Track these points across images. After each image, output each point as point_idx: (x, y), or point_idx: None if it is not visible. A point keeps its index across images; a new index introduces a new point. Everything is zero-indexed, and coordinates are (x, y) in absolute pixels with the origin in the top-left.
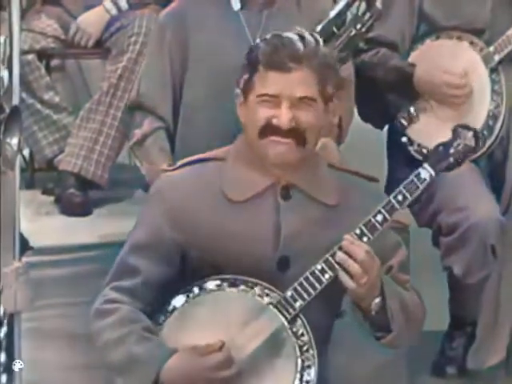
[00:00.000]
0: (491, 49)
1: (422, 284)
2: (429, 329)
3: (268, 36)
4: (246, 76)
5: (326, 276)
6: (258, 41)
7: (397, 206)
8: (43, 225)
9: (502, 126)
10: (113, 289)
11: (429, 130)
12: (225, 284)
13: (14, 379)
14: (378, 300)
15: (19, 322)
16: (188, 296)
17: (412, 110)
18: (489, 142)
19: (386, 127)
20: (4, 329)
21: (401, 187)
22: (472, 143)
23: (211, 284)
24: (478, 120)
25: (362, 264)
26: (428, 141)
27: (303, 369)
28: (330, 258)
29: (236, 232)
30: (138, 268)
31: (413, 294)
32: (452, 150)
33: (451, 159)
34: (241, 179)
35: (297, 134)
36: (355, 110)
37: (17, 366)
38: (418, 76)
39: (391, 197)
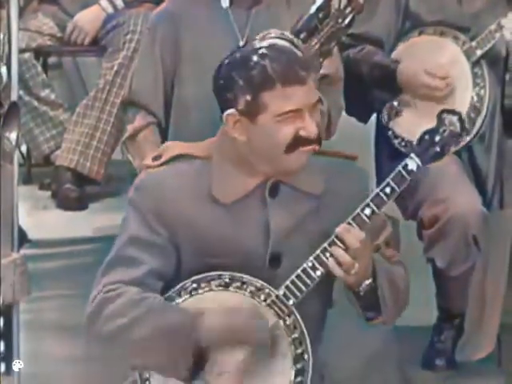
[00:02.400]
0: (473, 43)
1: (412, 278)
2: (420, 323)
3: (261, 51)
4: (247, 97)
5: (318, 273)
6: (254, 60)
7: (385, 198)
8: (40, 219)
9: (484, 119)
10: (112, 282)
11: (412, 123)
12: (217, 283)
13: (12, 369)
14: (368, 282)
15: (17, 312)
16: (181, 295)
17: (396, 104)
18: (471, 134)
19: (374, 122)
20: (3, 318)
21: (388, 179)
22: (457, 128)
23: (204, 284)
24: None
25: (355, 252)
26: (411, 134)
27: (297, 362)
28: (321, 255)
29: (225, 233)
30: (137, 259)
31: (398, 266)
32: (438, 138)
33: (437, 148)
34: (229, 181)
35: (319, 138)
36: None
37: (17, 365)
38: (400, 73)
39: (379, 190)
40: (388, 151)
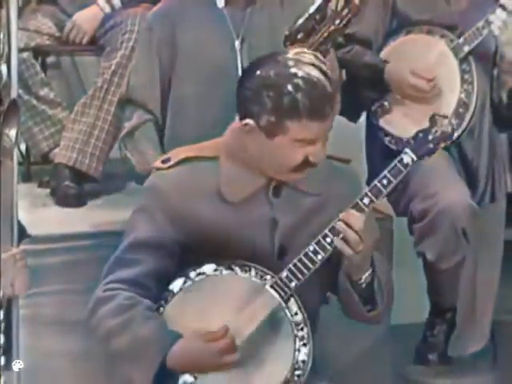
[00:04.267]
0: (461, 40)
1: (406, 275)
2: (413, 320)
3: (296, 81)
4: (271, 118)
5: (319, 256)
6: (287, 89)
7: (382, 189)
8: (39, 215)
9: (473, 114)
10: (112, 281)
11: (402, 121)
12: (221, 268)
13: (12, 362)
14: (368, 273)
15: (17, 306)
16: (185, 282)
17: (385, 103)
18: (459, 130)
19: (365, 121)
20: (2, 312)
21: (385, 172)
22: (449, 129)
23: (208, 268)
24: (448, 108)
25: (359, 233)
26: (401, 132)
27: (299, 347)
28: (322, 240)
29: (233, 230)
30: (138, 260)
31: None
32: (431, 137)
33: (431, 145)
34: (237, 180)
35: None
36: None
37: (16, 365)
38: (388, 73)
39: (376, 181)
40: (379, 149)
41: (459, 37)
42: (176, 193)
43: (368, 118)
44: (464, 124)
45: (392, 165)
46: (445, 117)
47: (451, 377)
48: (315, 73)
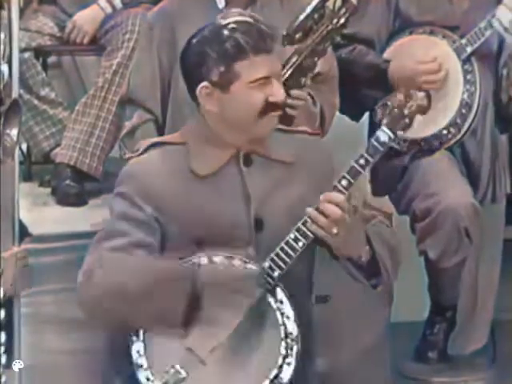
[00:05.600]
0: (463, 41)
1: (407, 271)
2: (413, 318)
3: (231, 26)
4: (221, 68)
5: (300, 244)
6: (225, 34)
7: (360, 169)
8: (40, 214)
9: (475, 114)
10: (102, 249)
11: None
12: (203, 259)
13: (13, 361)
14: (366, 249)
15: (18, 304)
16: None
17: (388, 102)
18: (463, 130)
19: (367, 120)
20: (4, 310)
21: (362, 152)
22: (424, 103)
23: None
24: (451, 108)
25: (331, 217)
26: None
27: (286, 336)
28: (302, 227)
29: (209, 205)
30: (125, 231)
31: (382, 224)
32: (406, 111)
33: (407, 120)
34: (205, 155)
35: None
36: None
37: (16, 365)
38: (392, 71)
39: (354, 162)
40: None
41: (461, 37)
42: (149, 175)
43: (370, 117)
44: (467, 124)
45: (369, 144)
46: (421, 90)
47: (450, 375)
48: (245, 18)
